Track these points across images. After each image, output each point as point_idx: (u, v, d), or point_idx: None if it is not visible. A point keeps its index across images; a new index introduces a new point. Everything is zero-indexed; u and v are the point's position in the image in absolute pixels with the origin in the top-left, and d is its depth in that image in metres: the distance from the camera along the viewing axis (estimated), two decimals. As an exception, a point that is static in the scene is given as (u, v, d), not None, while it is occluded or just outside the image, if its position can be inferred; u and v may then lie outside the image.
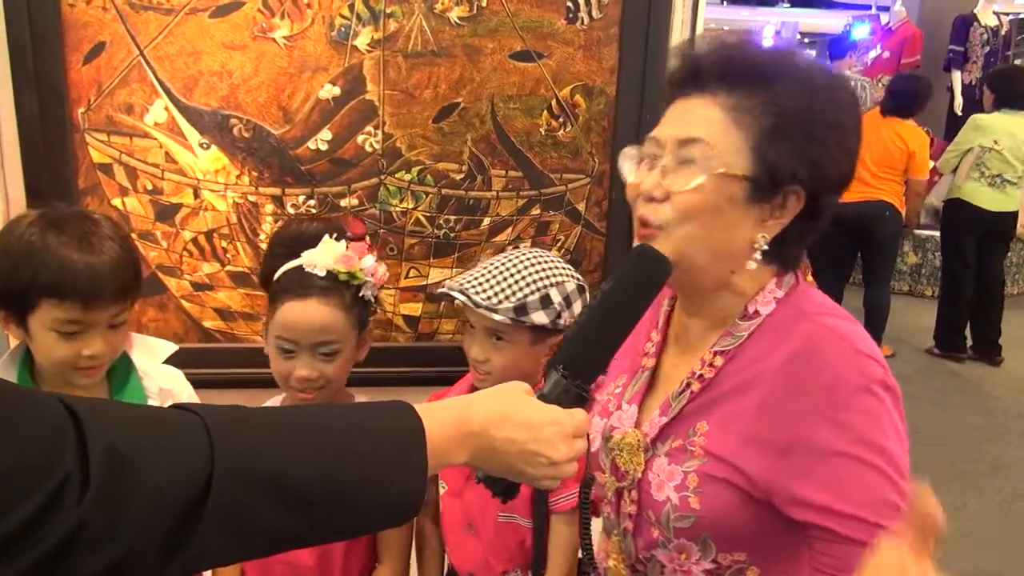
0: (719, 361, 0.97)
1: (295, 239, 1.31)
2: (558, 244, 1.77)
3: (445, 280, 1.32)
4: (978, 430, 4.01)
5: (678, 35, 1.68)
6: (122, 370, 1.27)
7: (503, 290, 1.24)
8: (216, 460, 0.61)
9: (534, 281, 1.26)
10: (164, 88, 1.59)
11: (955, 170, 4.71)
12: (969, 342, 5.05)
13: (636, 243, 0.95)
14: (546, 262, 1.30)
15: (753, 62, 0.93)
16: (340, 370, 1.29)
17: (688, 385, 0.99)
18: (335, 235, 1.31)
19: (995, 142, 4.54)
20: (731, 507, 0.93)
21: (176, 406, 0.68)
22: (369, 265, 1.30)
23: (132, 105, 1.59)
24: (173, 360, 1.41)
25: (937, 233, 6.04)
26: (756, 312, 0.97)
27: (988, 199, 4.65)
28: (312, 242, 1.29)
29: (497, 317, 1.22)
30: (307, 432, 0.69)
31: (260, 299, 1.66)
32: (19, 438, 0.55)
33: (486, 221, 1.73)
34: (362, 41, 1.61)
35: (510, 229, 1.74)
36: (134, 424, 0.62)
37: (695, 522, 0.95)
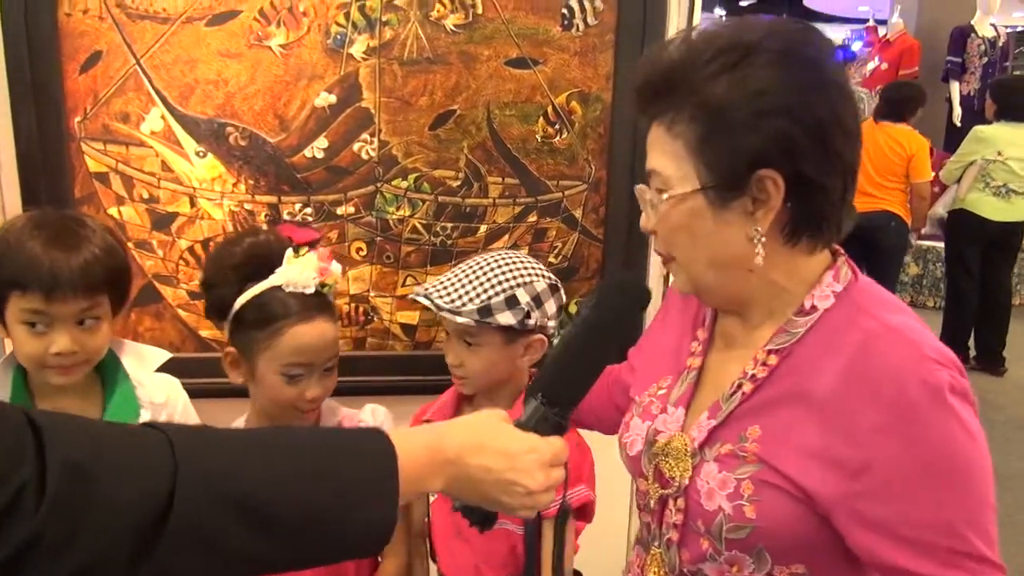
0: (773, 360, 0.92)
1: (250, 258, 1.23)
2: (555, 251, 1.76)
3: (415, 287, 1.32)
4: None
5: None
6: (115, 378, 1.26)
7: (467, 292, 1.24)
8: (179, 478, 0.60)
9: (500, 282, 1.25)
10: (160, 96, 1.59)
11: (959, 181, 4.71)
12: (972, 352, 5.03)
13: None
14: (514, 263, 1.29)
15: (664, 71, 0.88)
16: (335, 382, 1.28)
17: (739, 386, 0.93)
18: (291, 246, 1.25)
19: (998, 153, 4.54)
20: (791, 517, 0.87)
21: (145, 424, 0.68)
22: (337, 269, 1.28)
23: (128, 114, 1.59)
24: (169, 368, 1.40)
25: (938, 244, 6.04)
26: (813, 307, 0.91)
27: (993, 209, 4.63)
28: (269, 260, 1.22)
29: (460, 320, 1.22)
30: (278, 454, 0.69)
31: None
32: None
33: (483, 228, 1.73)
34: (358, 49, 1.62)
35: (507, 236, 1.74)
36: (96, 439, 0.62)
37: (751, 533, 0.89)
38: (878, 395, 0.83)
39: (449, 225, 1.71)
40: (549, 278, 1.30)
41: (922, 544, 0.82)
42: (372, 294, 1.73)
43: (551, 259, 1.75)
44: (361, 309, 1.74)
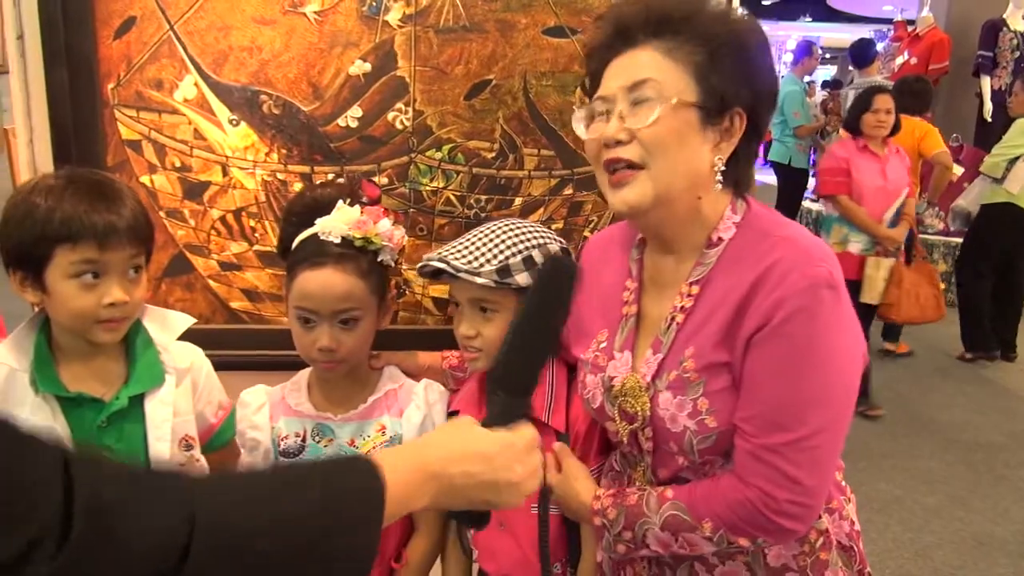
0: (696, 290, 1.06)
1: (309, 207, 1.28)
2: (591, 225, 1.73)
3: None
4: (1013, 435, 3.91)
5: (715, 11, 1.65)
6: (140, 343, 1.24)
7: (483, 255, 1.21)
8: (196, 531, 0.62)
9: (515, 244, 1.23)
10: (194, 63, 1.57)
11: (1002, 177, 4.60)
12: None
13: (609, 191, 1.05)
14: (527, 228, 1.27)
15: (669, 8, 1.03)
16: (360, 340, 1.25)
17: (672, 319, 1.07)
18: (348, 200, 1.28)
19: None
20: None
21: (167, 471, 0.71)
22: (385, 229, 1.26)
23: (162, 81, 1.57)
24: (198, 340, 1.38)
25: (945, 238, 5.95)
26: (719, 239, 1.06)
27: None
28: (326, 209, 1.26)
29: (480, 280, 1.19)
30: (282, 497, 0.71)
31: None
32: (5, 485, 0.57)
33: (518, 201, 1.69)
34: (393, 16, 1.59)
35: (542, 209, 1.71)
36: (122, 483, 0.63)
37: (717, 438, 1.03)
38: (767, 285, 0.98)
39: (483, 197, 1.69)
40: (560, 242, 1.29)
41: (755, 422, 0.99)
42: (404, 267, 1.70)
43: (586, 233, 1.72)
44: (393, 282, 1.71)
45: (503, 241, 1.23)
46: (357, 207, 1.24)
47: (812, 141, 6.46)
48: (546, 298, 0.96)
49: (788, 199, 6.38)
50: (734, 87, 1.01)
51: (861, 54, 5.82)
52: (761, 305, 0.98)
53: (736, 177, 1.07)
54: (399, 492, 0.76)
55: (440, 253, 1.24)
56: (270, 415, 1.29)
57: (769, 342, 0.98)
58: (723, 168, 1.03)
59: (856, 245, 3.86)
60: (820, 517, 1.10)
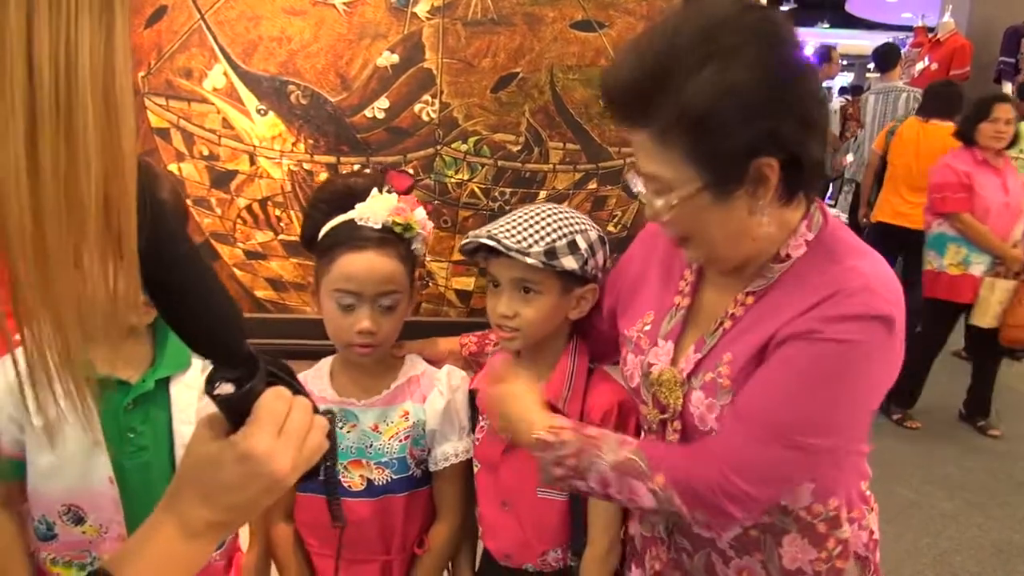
0: (750, 300, 1.02)
1: (341, 195, 1.27)
2: (615, 219, 1.73)
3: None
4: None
5: (742, 6, 1.64)
6: (167, 328, 1.25)
7: (532, 235, 1.20)
8: None
9: (559, 228, 1.22)
10: (223, 53, 1.58)
11: None
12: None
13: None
14: (568, 213, 1.27)
15: (638, 80, 0.91)
16: (397, 324, 1.26)
17: (721, 323, 1.04)
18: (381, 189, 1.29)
19: None
20: None
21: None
22: (421, 217, 1.27)
23: (191, 70, 1.59)
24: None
25: None
26: (788, 255, 1.01)
27: None
28: (360, 197, 1.25)
29: (529, 260, 1.18)
30: None
31: (312, 269, 1.64)
32: None
33: (542, 194, 1.70)
34: (422, 8, 1.60)
35: (566, 203, 1.70)
36: None
37: None
38: (821, 306, 0.94)
39: (508, 190, 1.69)
40: (598, 230, 1.28)
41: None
42: (428, 259, 1.71)
43: (610, 228, 1.72)
44: (417, 273, 1.71)
45: (549, 224, 1.22)
46: (394, 195, 1.25)
47: (834, 147, 6.42)
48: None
49: None
50: (736, 146, 0.90)
51: (886, 58, 5.79)
52: (808, 320, 0.95)
53: (797, 192, 0.97)
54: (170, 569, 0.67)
55: (489, 230, 1.22)
56: None
57: (801, 346, 0.95)
58: (766, 213, 0.95)
59: (979, 267, 3.58)
60: (842, 526, 1.09)
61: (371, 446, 1.27)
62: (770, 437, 0.96)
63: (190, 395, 1.23)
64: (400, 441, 1.27)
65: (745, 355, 1.00)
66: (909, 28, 9.41)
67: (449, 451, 1.28)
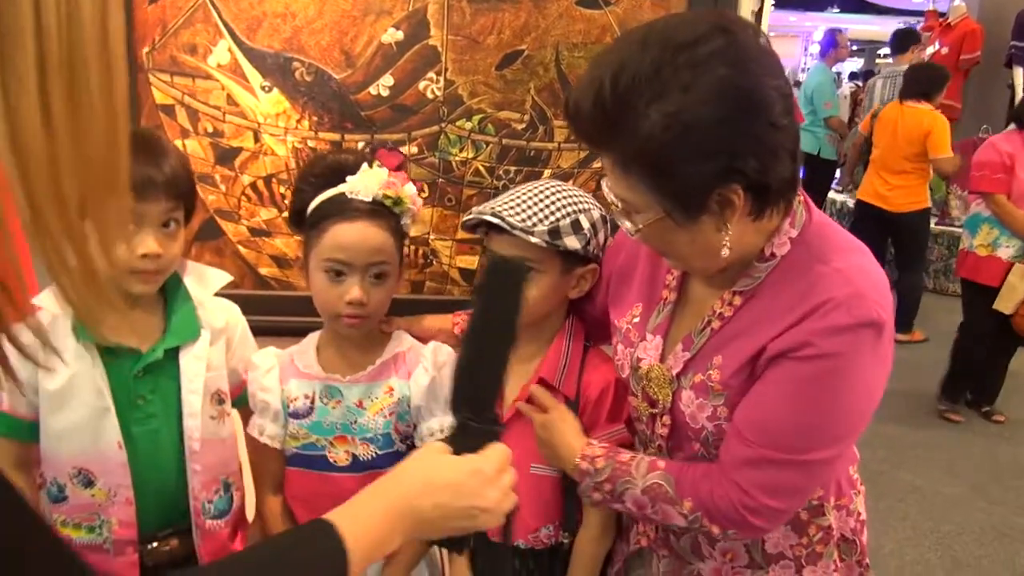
0: (738, 300, 1.02)
1: (331, 170, 1.27)
2: (619, 199, 1.72)
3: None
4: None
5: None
6: (178, 298, 1.26)
7: (535, 214, 1.20)
8: None
9: (563, 207, 1.21)
10: (228, 29, 1.58)
11: None
12: None
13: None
14: (571, 190, 1.26)
15: (595, 110, 0.89)
16: (387, 296, 1.26)
17: (708, 323, 1.04)
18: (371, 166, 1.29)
19: None
20: None
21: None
22: (412, 192, 1.27)
23: (196, 46, 1.58)
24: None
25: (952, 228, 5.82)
26: (772, 254, 1.00)
27: None
28: (350, 172, 1.25)
29: (533, 240, 1.18)
30: None
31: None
32: None
33: (546, 173, 1.69)
34: (427, -16, 1.59)
35: (571, 182, 1.70)
36: None
37: None
38: (810, 318, 0.94)
39: (512, 168, 1.69)
40: (600, 208, 1.27)
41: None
42: (432, 237, 1.71)
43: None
44: (421, 252, 1.72)
45: (554, 202, 1.22)
46: (385, 169, 1.25)
47: (842, 133, 6.39)
48: (496, 304, 0.89)
49: (815, 191, 6.33)
50: (694, 181, 0.88)
51: (901, 41, 5.75)
52: (797, 334, 0.95)
53: (771, 204, 0.95)
54: (365, 545, 0.77)
55: (492, 207, 1.22)
56: (280, 378, 1.30)
57: (793, 365, 0.96)
58: (728, 238, 0.94)
59: (1007, 250, 3.53)
60: (825, 515, 1.11)
61: (356, 422, 1.27)
62: (780, 456, 0.97)
63: (198, 365, 1.25)
64: (385, 417, 1.28)
65: (737, 361, 1.00)
66: (920, 12, 9.32)
67: (435, 426, 1.28)
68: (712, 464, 1.04)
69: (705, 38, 0.86)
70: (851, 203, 3.98)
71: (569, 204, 1.22)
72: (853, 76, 9.89)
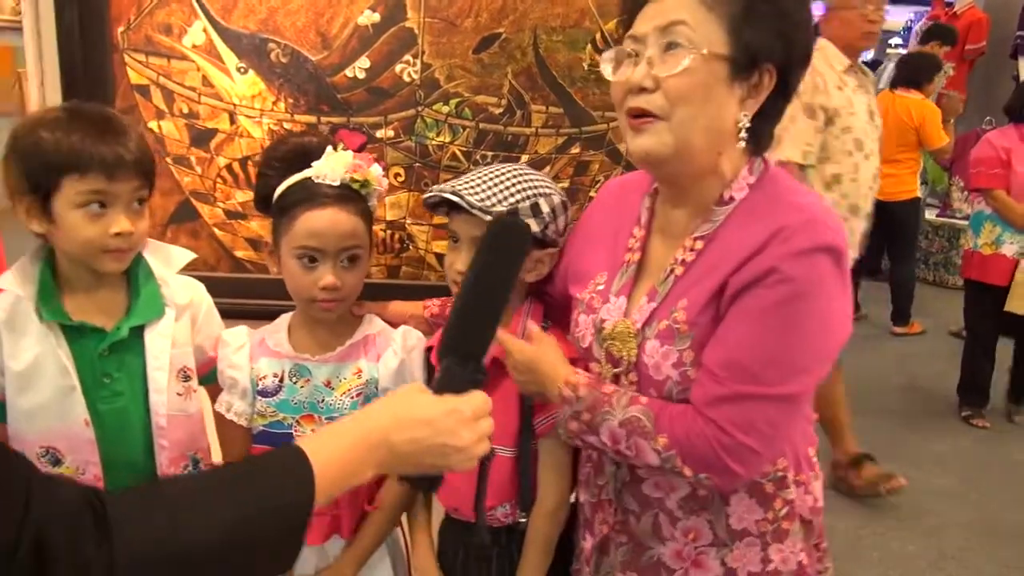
0: (699, 245, 1.05)
1: (295, 154, 1.27)
2: (597, 185, 1.71)
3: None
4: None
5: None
6: (141, 276, 1.26)
7: (495, 194, 1.20)
8: (115, 553, 0.66)
9: (523, 189, 1.22)
10: (203, 9, 1.57)
11: None
12: None
13: (629, 135, 1.02)
14: (533, 175, 1.27)
15: None
16: (360, 279, 1.27)
17: (672, 271, 1.07)
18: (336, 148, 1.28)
19: None
20: None
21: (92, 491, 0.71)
22: (378, 174, 1.27)
23: (171, 26, 1.58)
24: (206, 288, 1.39)
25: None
26: (731, 198, 1.04)
27: None
28: (313, 156, 1.25)
29: (489, 219, 1.18)
30: (203, 506, 0.74)
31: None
32: None
33: (524, 158, 1.68)
34: (404, -34, 1.58)
35: (548, 167, 1.69)
36: (62, 519, 0.66)
37: None
38: (769, 246, 0.98)
39: (489, 154, 1.68)
40: (561, 194, 1.28)
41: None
42: (408, 221, 1.71)
43: (592, 193, 1.71)
44: (397, 236, 1.72)
45: (514, 184, 1.22)
46: (350, 152, 1.24)
47: None
48: (496, 260, 0.93)
49: None
50: (768, 42, 0.98)
51: (927, 36, 5.71)
52: (759, 263, 0.97)
53: (758, 135, 1.04)
54: (333, 477, 0.79)
55: (453, 185, 1.22)
56: (250, 355, 1.30)
57: (757, 295, 0.97)
58: (748, 125, 1.01)
59: (1011, 247, 3.48)
60: (788, 487, 1.10)
61: (323, 401, 1.28)
62: (754, 390, 0.97)
63: (163, 343, 1.26)
64: (352, 398, 1.28)
65: (702, 299, 1.02)
66: (927, 1, 9.25)
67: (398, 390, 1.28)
68: (689, 405, 1.03)
69: None
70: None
71: (530, 188, 1.21)
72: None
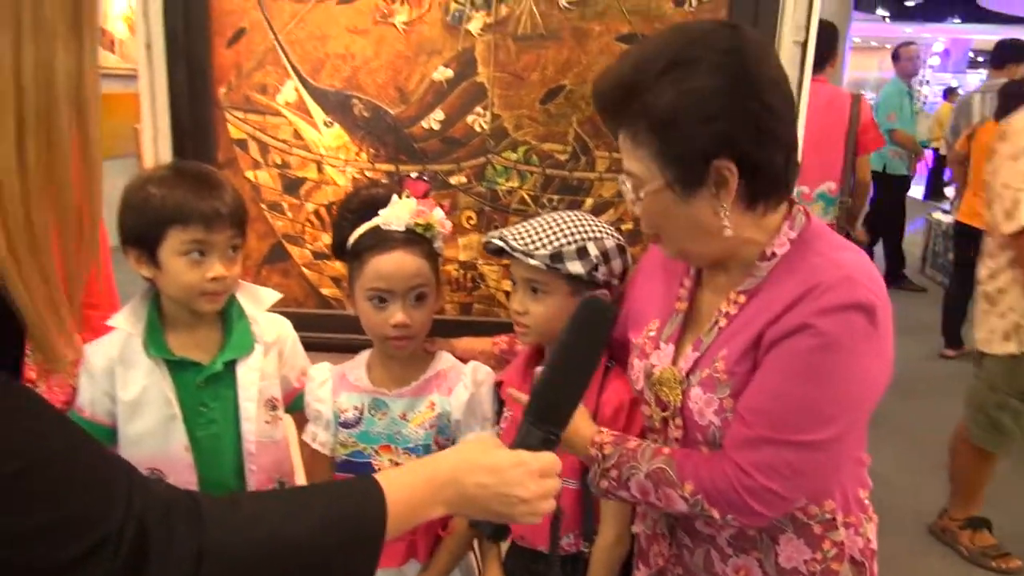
0: (742, 299, 1.09)
1: (365, 205, 1.39)
2: (660, 226, 1.77)
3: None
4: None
5: (789, 18, 1.66)
6: (234, 315, 1.40)
7: (540, 239, 1.29)
8: (203, 566, 0.68)
9: (571, 233, 1.30)
10: (294, 70, 1.73)
11: None
12: None
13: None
14: (587, 220, 1.35)
15: (618, 91, 1.03)
16: (428, 316, 1.36)
17: (716, 322, 1.11)
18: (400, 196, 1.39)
19: None
20: None
21: (186, 491, 0.75)
22: (440, 217, 1.37)
23: (266, 85, 1.74)
24: (293, 324, 1.52)
25: None
26: (773, 254, 1.08)
27: None
28: (381, 205, 1.36)
29: (532, 262, 1.27)
30: (290, 505, 0.79)
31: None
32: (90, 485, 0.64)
33: (589, 201, 1.76)
34: (475, 25, 1.70)
35: (612, 210, 1.77)
36: (158, 511, 0.69)
37: None
38: (803, 301, 1.01)
39: (556, 197, 1.77)
40: (618, 239, 1.35)
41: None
42: (480, 262, 1.81)
43: (655, 234, 1.77)
44: (469, 276, 1.82)
45: (561, 229, 1.32)
46: (414, 199, 1.35)
47: (912, 150, 6.14)
48: (583, 338, 0.97)
49: (887, 209, 6.09)
50: (694, 147, 0.99)
51: (998, 54, 5.51)
52: (793, 317, 1.01)
53: (767, 192, 1.05)
54: (404, 506, 0.83)
55: (502, 232, 1.34)
56: (333, 390, 1.42)
57: (789, 346, 1.01)
58: (727, 214, 1.02)
59: None
60: (837, 529, 1.13)
61: (399, 432, 1.38)
62: (772, 434, 1.01)
63: (253, 376, 1.39)
64: (426, 429, 1.38)
65: (740, 349, 1.07)
66: (962, 19, 8.85)
67: (472, 438, 1.37)
68: (716, 451, 1.08)
69: (717, 30, 1.03)
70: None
71: (579, 232, 1.30)
72: (948, 93, 9.43)
